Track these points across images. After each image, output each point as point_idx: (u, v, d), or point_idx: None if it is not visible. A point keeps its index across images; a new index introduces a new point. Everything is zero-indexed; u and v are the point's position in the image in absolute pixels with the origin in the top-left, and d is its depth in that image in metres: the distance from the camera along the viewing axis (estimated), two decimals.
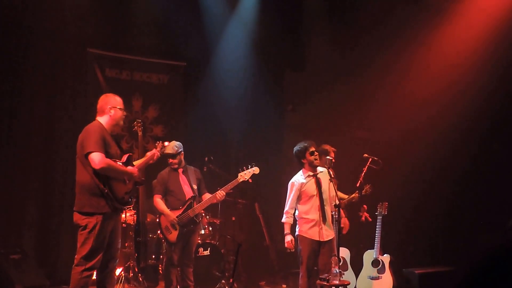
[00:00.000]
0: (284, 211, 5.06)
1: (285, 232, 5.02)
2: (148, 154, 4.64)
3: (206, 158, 6.85)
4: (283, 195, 5.25)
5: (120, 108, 4.36)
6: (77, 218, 4.15)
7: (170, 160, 5.52)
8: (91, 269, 4.12)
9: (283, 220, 5.06)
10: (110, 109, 4.31)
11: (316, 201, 5.01)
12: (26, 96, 6.68)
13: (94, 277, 4.33)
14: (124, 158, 4.30)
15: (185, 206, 5.44)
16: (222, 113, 7.99)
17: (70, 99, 6.97)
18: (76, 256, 4.14)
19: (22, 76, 6.62)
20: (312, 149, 5.04)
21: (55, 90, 6.82)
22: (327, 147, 5.97)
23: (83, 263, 4.08)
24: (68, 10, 6.75)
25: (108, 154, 4.15)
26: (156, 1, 7.24)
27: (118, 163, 4.24)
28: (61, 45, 6.86)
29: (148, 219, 6.55)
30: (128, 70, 7.49)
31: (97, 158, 4.04)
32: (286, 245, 5.01)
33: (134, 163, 4.47)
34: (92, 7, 6.87)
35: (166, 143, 4.81)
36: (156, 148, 4.71)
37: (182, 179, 5.55)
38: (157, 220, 6.26)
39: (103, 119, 4.32)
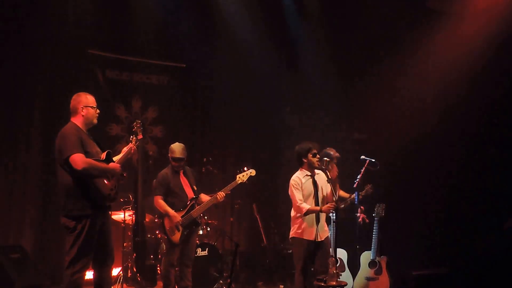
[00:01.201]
0: (297, 205, 4.96)
1: (319, 209, 4.91)
2: (125, 149, 4.56)
3: (205, 159, 6.88)
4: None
5: (92, 107, 4.33)
6: (65, 221, 4.14)
7: (176, 163, 5.50)
8: (81, 270, 4.11)
9: (304, 208, 4.92)
10: (82, 109, 4.28)
11: (311, 201, 5.04)
12: (26, 97, 6.70)
13: (87, 277, 4.33)
14: (104, 155, 4.28)
15: (187, 208, 5.45)
16: (221, 114, 8.02)
17: (70, 99, 6.98)
18: (65, 259, 4.14)
19: (22, 78, 6.63)
20: (315, 151, 5.07)
21: (56, 91, 6.84)
22: (331, 151, 5.98)
23: (73, 265, 4.07)
24: (69, 12, 6.78)
25: (87, 154, 4.14)
26: (157, 2, 7.28)
27: (98, 161, 4.22)
28: (62, 46, 6.88)
29: (146, 219, 6.57)
30: (128, 71, 7.53)
31: (78, 160, 4.02)
32: (326, 209, 4.88)
33: (114, 158, 4.44)
34: (92, 8, 6.90)
35: (139, 137, 4.77)
36: (131, 142, 4.62)
37: (183, 180, 5.56)
38: (156, 220, 6.32)
39: (77, 120, 4.30)
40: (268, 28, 7.63)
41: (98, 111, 4.38)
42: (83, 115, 4.27)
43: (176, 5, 7.36)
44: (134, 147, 4.60)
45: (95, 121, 4.37)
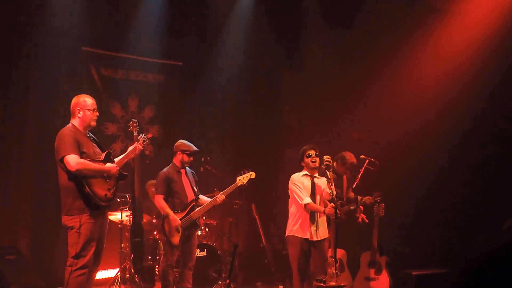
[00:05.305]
0: (301, 200, 5.00)
1: (322, 211, 4.95)
2: (130, 148, 4.62)
3: (203, 159, 6.83)
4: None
5: (88, 110, 4.38)
6: (64, 220, 4.27)
7: (191, 158, 5.46)
8: (83, 267, 4.18)
9: (306, 202, 4.96)
10: (78, 111, 4.37)
11: None
12: (19, 96, 6.59)
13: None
14: (103, 156, 4.35)
15: (187, 209, 5.39)
16: (219, 113, 7.97)
17: (64, 98, 6.89)
18: (68, 258, 4.21)
19: (15, 75, 6.52)
20: (309, 152, 5.13)
21: (49, 89, 6.75)
22: (347, 155, 5.99)
23: (75, 262, 4.17)
24: (62, 8, 6.68)
25: (84, 155, 4.22)
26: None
27: (96, 161, 4.28)
28: (55, 43, 6.76)
29: (144, 220, 6.52)
30: (123, 69, 7.41)
31: (71, 161, 4.12)
32: (329, 211, 4.90)
33: (116, 159, 4.49)
34: (87, 4, 6.81)
35: (149, 135, 4.78)
36: (138, 142, 4.67)
37: (185, 180, 5.51)
38: (154, 221, 6.26)
39: (75, 121, 4.39)
40: (267, 26, 7.58)
41: (97, 113, 4.45)
42: (79, 118, 4.37)
43: (172, 1, 7.28)
44: (140, 147, 4.63)
45: (93, 123, 4.45)
